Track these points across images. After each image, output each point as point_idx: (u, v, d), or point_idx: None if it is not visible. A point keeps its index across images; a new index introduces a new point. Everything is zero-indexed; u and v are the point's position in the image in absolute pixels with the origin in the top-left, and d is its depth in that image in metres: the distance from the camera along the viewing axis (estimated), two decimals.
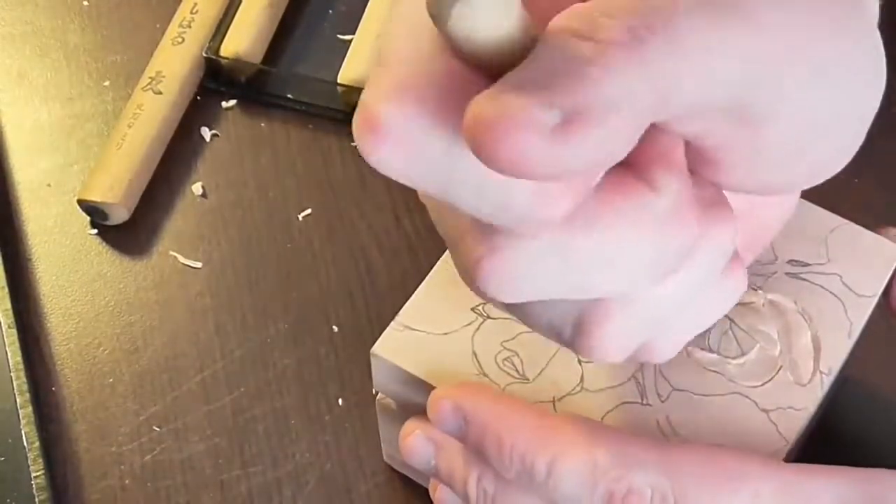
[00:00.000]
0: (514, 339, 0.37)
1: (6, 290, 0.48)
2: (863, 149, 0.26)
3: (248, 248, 0.50)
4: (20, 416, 0.45)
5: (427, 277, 0.39)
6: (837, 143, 0.26)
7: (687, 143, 0.25)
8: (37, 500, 0.43)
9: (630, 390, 0.36)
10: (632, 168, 0.25)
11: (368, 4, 0.53)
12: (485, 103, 0.21)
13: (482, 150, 0.21)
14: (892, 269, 0.38)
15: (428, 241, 0.49)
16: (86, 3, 0.57)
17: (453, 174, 0.23)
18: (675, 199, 0.25)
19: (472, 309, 0.38)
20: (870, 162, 0.33)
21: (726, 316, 0.35)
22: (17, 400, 0.45)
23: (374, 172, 0.53)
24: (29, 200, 0.51)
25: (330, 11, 0.55)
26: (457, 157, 0.23)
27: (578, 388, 0.36)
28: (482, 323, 0.37)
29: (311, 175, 0.51)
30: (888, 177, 0.49)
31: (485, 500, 0.34)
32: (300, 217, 0.50)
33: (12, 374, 0.46)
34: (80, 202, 0.50)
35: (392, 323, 0.37)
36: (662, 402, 0.35)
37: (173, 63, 0.53)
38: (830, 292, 0.37)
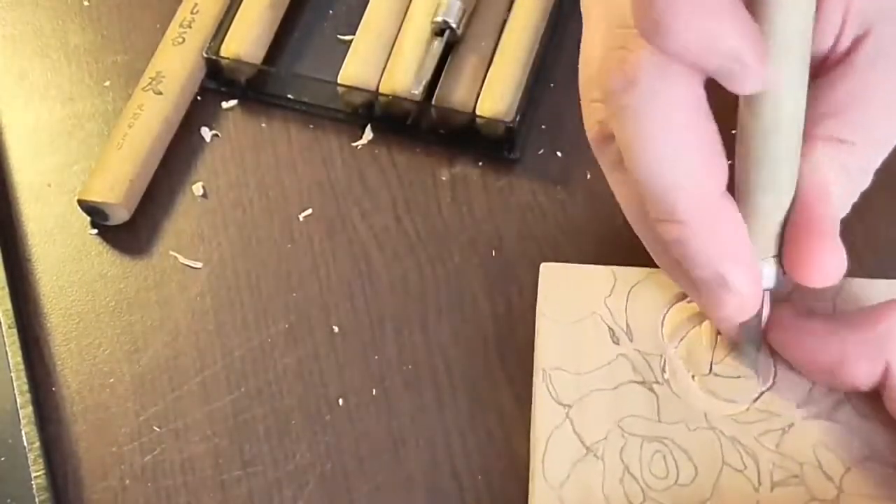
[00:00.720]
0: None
1: (6, 290, 0.48)
2: None
3: (248, 248, 0.50)
4: (20, 416, 0.45)
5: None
6: None
7: None
8: (37, 500, 0.43)
9: None
10: None
11: (368, 4, 0.53)
12: None
13: None
14: None
15: (428, 241, 0.49)
16: (86, 3, 0.57)
17: None
18: None
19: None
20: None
21: None
22: (17, 400, 0.45)
23: (374, 172, 0.53)
24: (29, 200, 0.51)
25: (330, 11, 0.55)
26: None
27: None
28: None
29: (311, 175, 0.51)
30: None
31: None
32: (300, 217, 0.50)
33: (12, 374, 0.46)
34: (81, 202, 0.50)
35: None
36: None
37: (173, 63, 0.53)
38: None
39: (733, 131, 0.35)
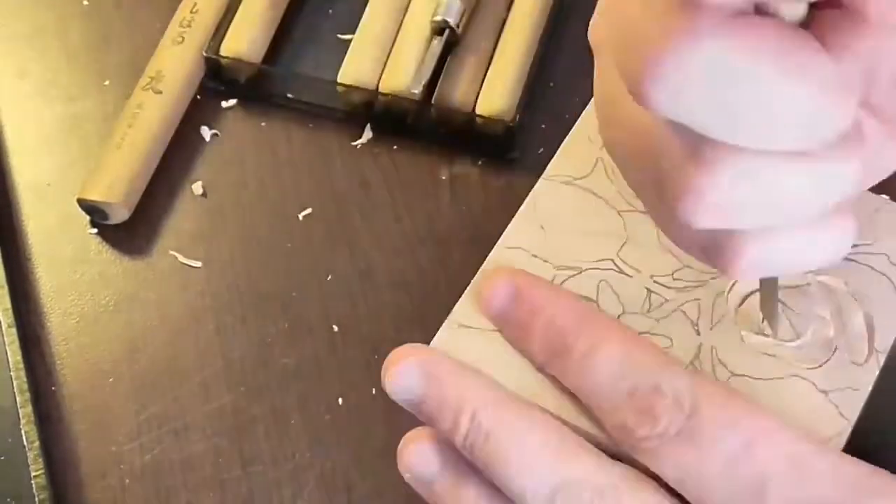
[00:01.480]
0: None
1: (6, 290, 0.48)
2: None
3: (248, 248, 0.50)
4: (20, 416, 0.45)
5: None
6: None
7: None
8: (37, 500, 0.43)
9: None
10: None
11: (368, 4, 0.53)
12: None
13: None
14: None
15: (428, 241, 0.49)
16: (86, 2, 0.57)
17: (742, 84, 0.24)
18: (846, 72, 0.26)
19: None
20: None
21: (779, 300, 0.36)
22: (18, 400, 0.45)
23: (374, 172, 0.53)
24: (29, 200, 0.51)
25: (330, 11, 0.55)
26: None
27: None
28: None
29: (311, 175, 0.51)
30: None
31: (477, 434, 0.34)
32: (300, 217, 0.50)
33: (12, 373, 0.46)
34: (80, 202, 0.50)
35: (446, 321, 0.38)
36: None
37: (173, 63, 0.53)
38: (879, 272, 0.38)
39: None
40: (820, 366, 0.36)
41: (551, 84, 0.52)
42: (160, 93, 0.52)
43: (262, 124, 0.53)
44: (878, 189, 0.35)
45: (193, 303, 0.48)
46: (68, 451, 0.45)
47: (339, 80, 0.51)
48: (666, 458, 0.32)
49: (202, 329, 0.48)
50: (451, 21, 0.51)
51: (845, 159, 0.26)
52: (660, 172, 0.28)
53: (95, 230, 0.50)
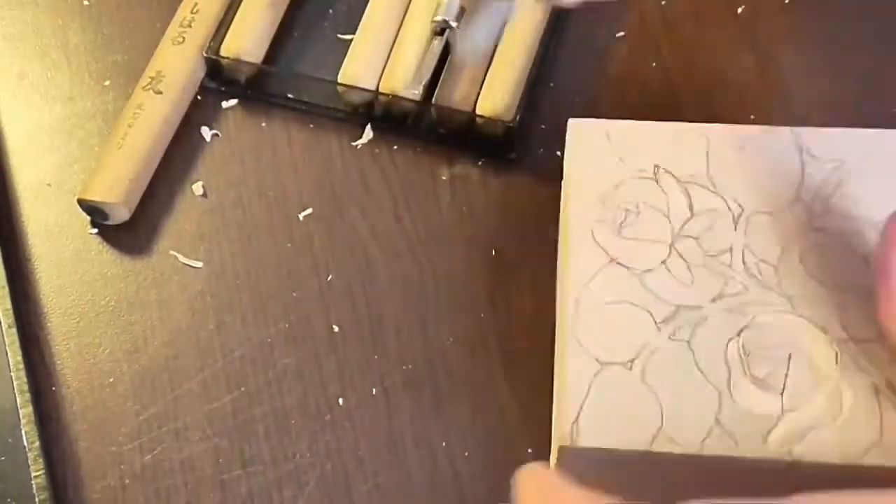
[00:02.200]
0: None
1: (6, 290, 0.48)
2: None
3: (248, 248, 0.50)
4: (20, 416, 0.45)
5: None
6: None
7: None
8: (37, 500, 0.43)
9: None
10: None
11: (368, 4, 0.53)
12: None
13: None
14: None
15: (428, 241, 0.49)
16: (86, 2, 0.57)
17: None
18: None
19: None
20: None
21: None
22: (18, 400, 0.45)
23: (374, 172, 0.53)
24: (29, 200, 0.51)
25: (330, 11, 0.55)
26: None
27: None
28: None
29: (311, 175, 0.51)
30: None
31: None
32: (300, 217, 0.50)
33: (12, 374, 0.46)
34: (81, 202, 0.50)
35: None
36: None
37: (174, 63, 0.53)
38: None
39: None
40: None
41: (551, 84, 0.52)
42: (160, 93, 0.52)
43: (262, 124, 0.53)
44: None
45: (193, 303, 0.48)
46: (68, 451, 0.45)
47: (339, 80, 0.51)
48: None
49: (202, 329, 0.48)
50: (452, 21, 0.51)
51: None
52: None
53: (95, 230, 0.50)
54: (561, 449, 0.38)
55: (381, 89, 0.51)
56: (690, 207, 0.41)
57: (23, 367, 0.46)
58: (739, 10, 0.53)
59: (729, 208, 0.41)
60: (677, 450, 0.37)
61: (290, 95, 0.53)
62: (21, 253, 0.50)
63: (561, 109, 0.51)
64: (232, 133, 0.53)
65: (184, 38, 0.53)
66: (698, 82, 0.51)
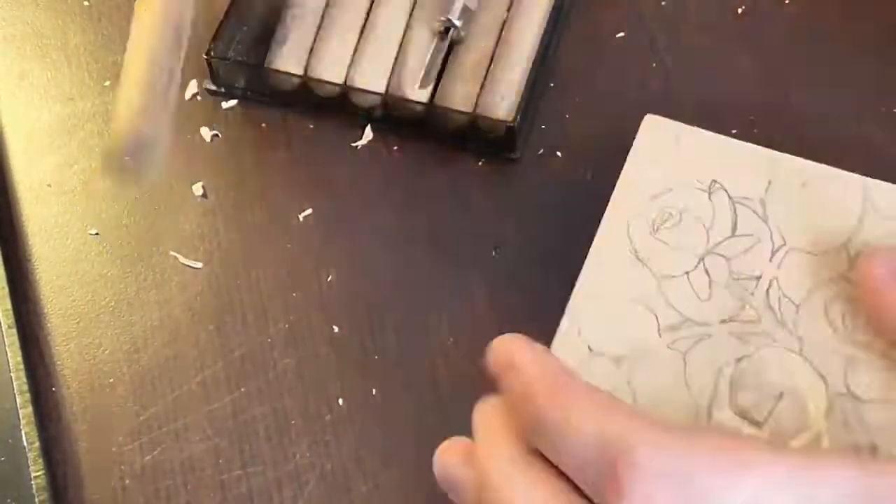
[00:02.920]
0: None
1: (6, 290, 0.48)
2: None
3: (248, 248, 0.50)
4: (20, 416, 0.45)
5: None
6: None
7: None
8: (37, 500, 0.43)
9: None
10: None
11: (372, 5, 0.53)
12: None
13: None
14: None
15: (428, 240, 0.49)
16: (86, 2, 0.57)
17: None
18: None
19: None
20: None
21: None
22: (17, 400, 0.45)
23: (374, 172, 0.53)
24: (29, 200, 0.51)
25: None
26: None
27: None
28: None
29: (311, 175, 0.51)
30: None
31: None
32: (300, 217, 0.50)
33: (12, 374, 0.46)
34: (109, 156, 0.44)
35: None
36: None
37: None
38: None
39: None
40: None
41: (551, 84, 0.52)
42: None
43: (262, 124, 0.53)
44: None
45: (193, 303, 0.48)
46: (68, 452, 0.45)
47: (339, 80, 0.51)
48: None
49: (202, 329, 0.48)
50: (456, 21, 0.51)
51: None
52: None
53: (95, 231, 0.50)
54: None
55: (382, 90, 0.51)
56: (734, 228, 0.41)
57: (23, 368, 0.46)
58: (739, 10, 0.53)
59: (771, 238, 0.41)
60: None
61: (289, 96, 0.53)
62: (21, 253, 0.50)
63: (561, 109, 0.51)
64: (232, 133, 0.53)
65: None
66: (698, 83, 0.51)
